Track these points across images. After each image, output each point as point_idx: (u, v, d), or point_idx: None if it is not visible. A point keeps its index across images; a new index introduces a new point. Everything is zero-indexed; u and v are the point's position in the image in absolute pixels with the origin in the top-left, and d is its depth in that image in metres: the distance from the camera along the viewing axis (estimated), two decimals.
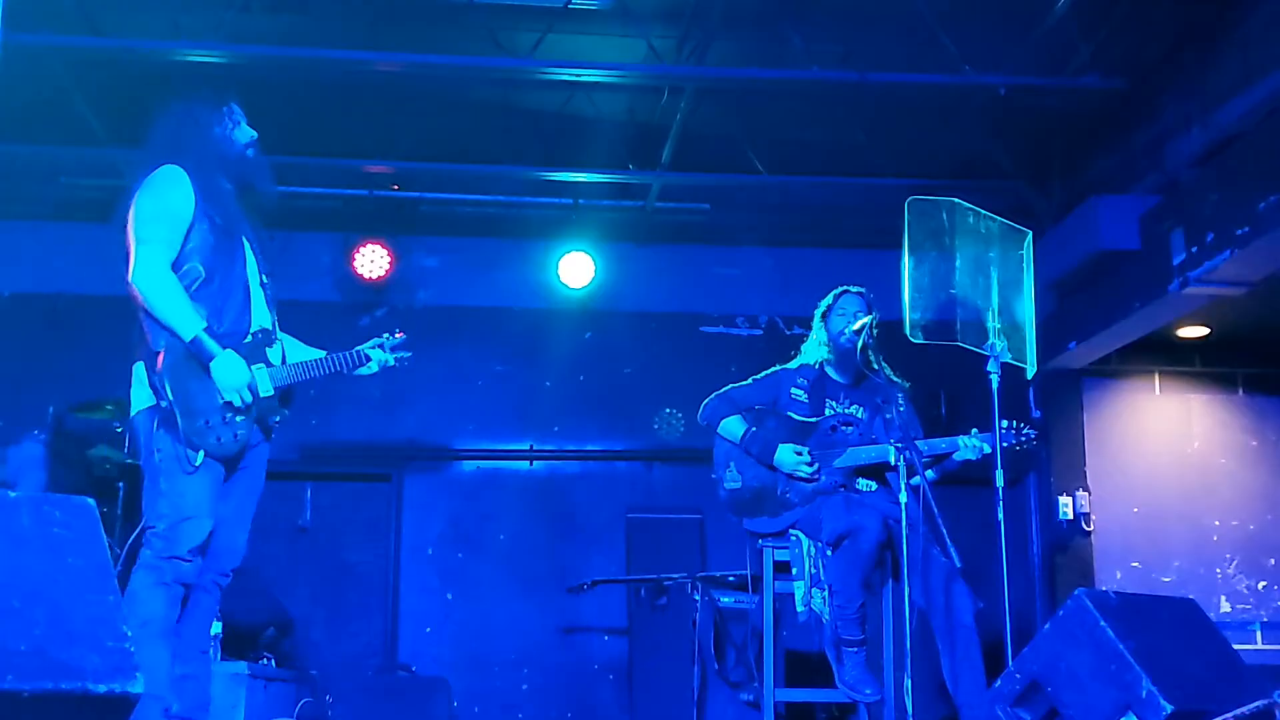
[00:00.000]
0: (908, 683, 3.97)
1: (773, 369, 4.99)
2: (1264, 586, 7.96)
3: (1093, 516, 7.91)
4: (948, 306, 4.44)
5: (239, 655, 5.70)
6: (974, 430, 4.58)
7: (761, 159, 7.49)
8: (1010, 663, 3.73)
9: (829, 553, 4.56)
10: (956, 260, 4.46)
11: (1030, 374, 4.51)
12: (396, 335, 4.24)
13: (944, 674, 4.44)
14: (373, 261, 7.82)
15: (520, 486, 8.07)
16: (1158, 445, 8.11)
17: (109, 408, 6.24)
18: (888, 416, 4.73)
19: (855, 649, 4.52)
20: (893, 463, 4.31)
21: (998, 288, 4.43)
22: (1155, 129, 6.88)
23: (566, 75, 6.76)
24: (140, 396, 3.80)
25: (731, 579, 5.96)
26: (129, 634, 2.35)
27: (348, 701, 6.34)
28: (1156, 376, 8.20)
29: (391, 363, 4.19)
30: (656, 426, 7.94)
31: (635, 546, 7.81)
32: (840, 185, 7.76)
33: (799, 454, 4.73)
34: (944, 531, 4.06)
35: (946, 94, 6.75)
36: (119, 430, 6.19)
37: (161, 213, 3.76)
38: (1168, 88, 6.63)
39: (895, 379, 4.86)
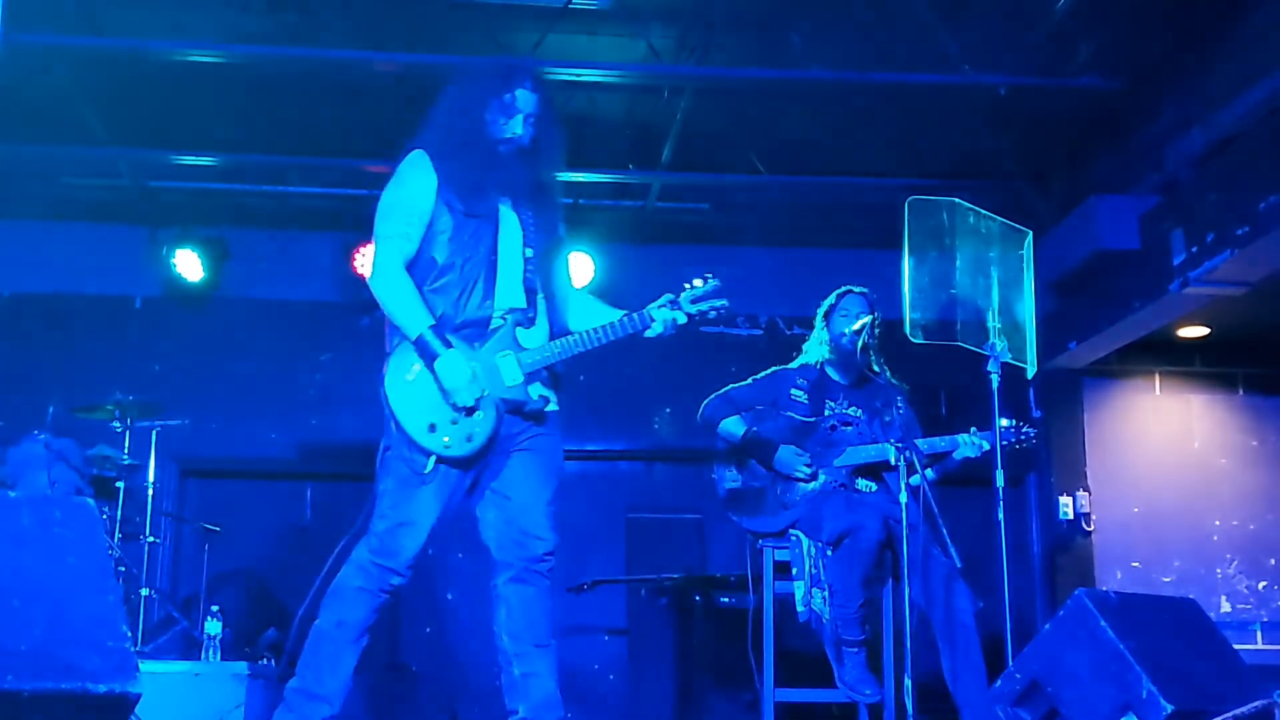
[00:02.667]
0: (908, 683, 3.97)
1: (773, 369, 5.00)
2: (1264, 586, 7.96)
3: (1093, 516, 7.91)
4: (948, 306, 4.44)
5: (239, 655, 5.70)
6: (973, 429, 4.59)
7: (761, 159, 7.48)
8: (1010, 663, 3.72)
9: (829, 552, 4.56)
10: (956, 260, 4.46)
11: (1030, 374, 4.50)
12: (707, 280, 3.81)
13: (944, 674, 4.44)
14: None
15: None
16: (1158, 445, 8.11)
17: (109, 408, 6.23)
18: (886, 419, 4.73)
19: (855, 649, 4.52)
20: (893, 462, 4.31)
21: (998, 288, 4.43)
22: (1155, 129, 6.88)
23: (566, 75, 6.76)
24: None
25: (731, 579, 5.97)
26: (129, 633, 2.35)
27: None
28: (1156, 376, 8.20)
29: (682, 320, 3.78)
30: (657, 426, 7.94)
31: (635, 546, 7.80)
32: (840, 185, 7.75)
33: (799, 455, 4.73)
34: (944, 531, 4.06)
35: (946, 94, 6.75)
36: (119, 430, 6.19)
37: (398, 205, 3.63)
38: (1168, 88, 6.63)
39: (895, 381, 4.86)
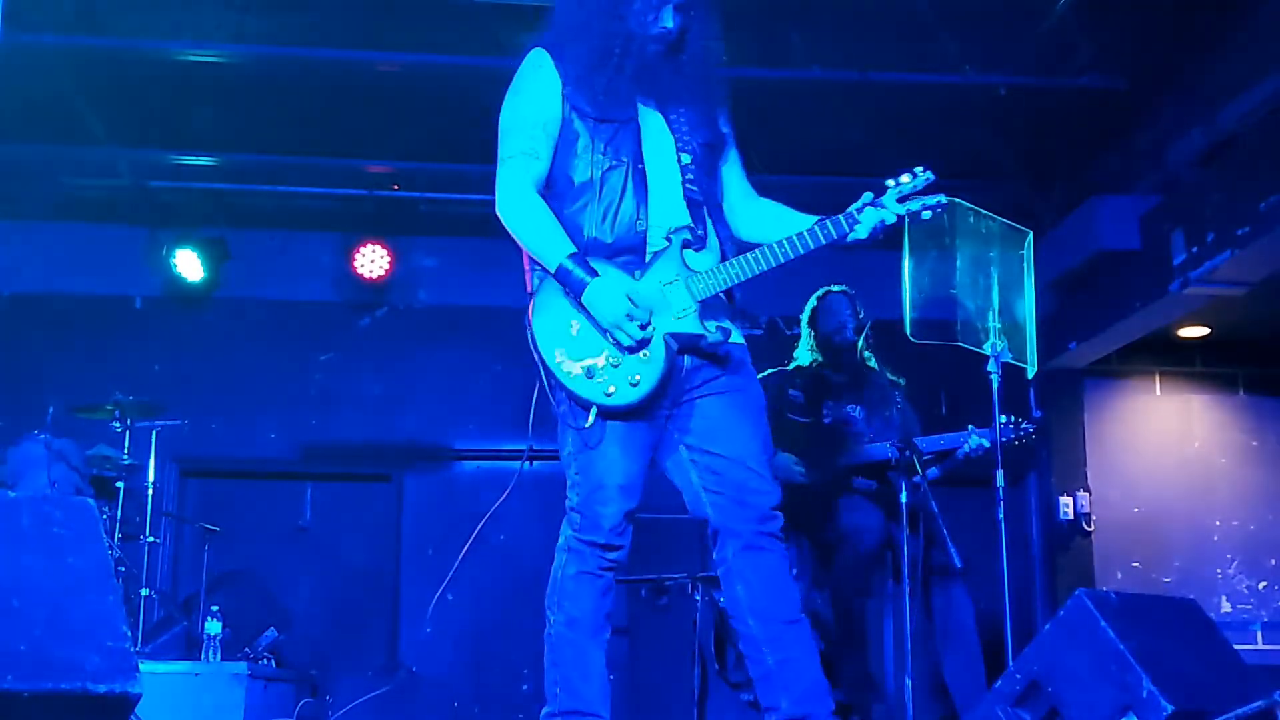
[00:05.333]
0: (908, 683, 3.97)
1: (768, 371, 4.99)
2: (1264, 586, 7.96)
3: (1093, 516, 7.91)
4: (948, 306, 4.44)
5: (239, 655, 5.70)
6: (970, 426, 4.59)
7: (762, 159, 7.47)
8: (1010, 663, 3.72)
9: (829, 553, 4.56)
10: (956, 260, 4.46)
11: (1031, 374, 4.51)
12: (916, 175, 3.24)
13: (944, 674, 4.44)
14: (373, 261, 7.82)
15: (520, 486, 8.05)
16: (1158, 445, 8.11)
17: (109, 408, 6.24)
18: (886, 415, 4.74)
19: (855, 649, 4.52)
20: (893, 461, 4.31)
21: (998, 288, 4.43)
22: (1155, 129, 6.88)
23: None
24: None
25: None
26: (129, 633, 2.35)
27: (348, 701, 6.34)
28: (1157, 376, 8.20)
29: (891, 221, 3.17)
30: None
31: (635, 546, 7.76)
32: (840, 185, 7.72)
33: (795, 463, 4.73)
34: (944, 531, 4.06)
35: (946, 94, 6.75)
36: (119, 430, 6.19)
37: (520, 116, 3.11)
38: (1168, 88, 6.64)
39: (892, 377, 4.86)
